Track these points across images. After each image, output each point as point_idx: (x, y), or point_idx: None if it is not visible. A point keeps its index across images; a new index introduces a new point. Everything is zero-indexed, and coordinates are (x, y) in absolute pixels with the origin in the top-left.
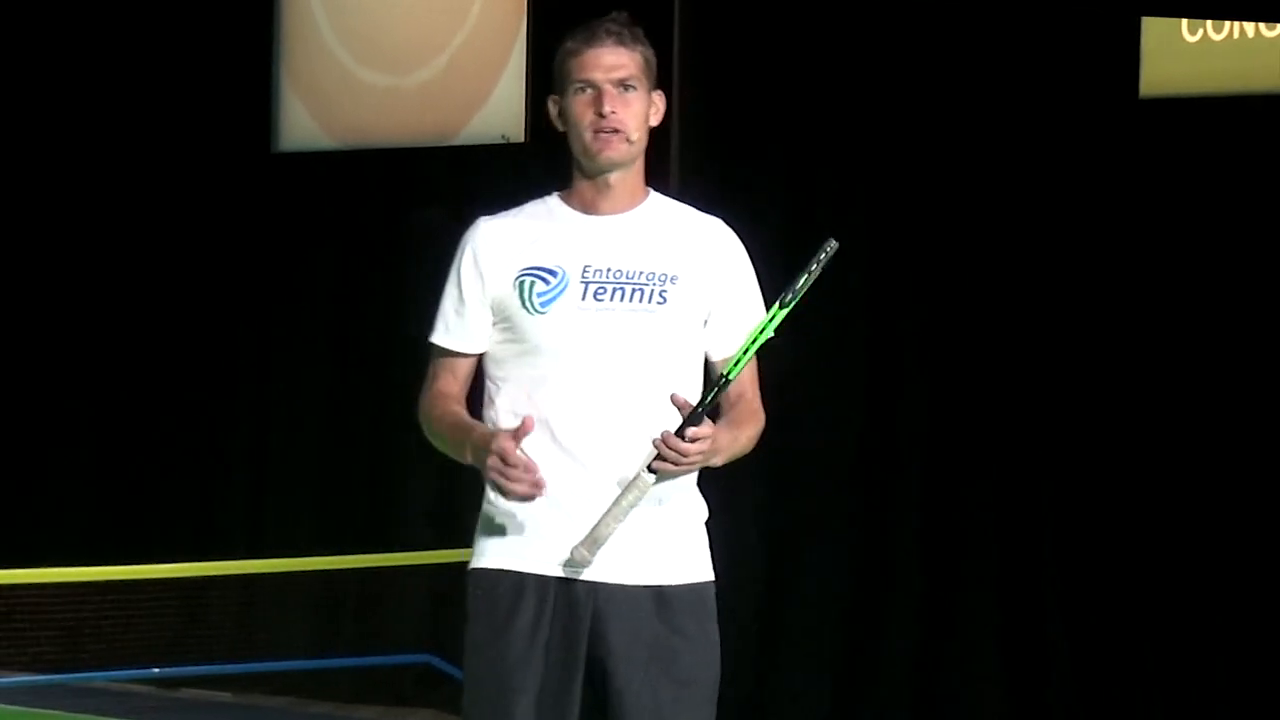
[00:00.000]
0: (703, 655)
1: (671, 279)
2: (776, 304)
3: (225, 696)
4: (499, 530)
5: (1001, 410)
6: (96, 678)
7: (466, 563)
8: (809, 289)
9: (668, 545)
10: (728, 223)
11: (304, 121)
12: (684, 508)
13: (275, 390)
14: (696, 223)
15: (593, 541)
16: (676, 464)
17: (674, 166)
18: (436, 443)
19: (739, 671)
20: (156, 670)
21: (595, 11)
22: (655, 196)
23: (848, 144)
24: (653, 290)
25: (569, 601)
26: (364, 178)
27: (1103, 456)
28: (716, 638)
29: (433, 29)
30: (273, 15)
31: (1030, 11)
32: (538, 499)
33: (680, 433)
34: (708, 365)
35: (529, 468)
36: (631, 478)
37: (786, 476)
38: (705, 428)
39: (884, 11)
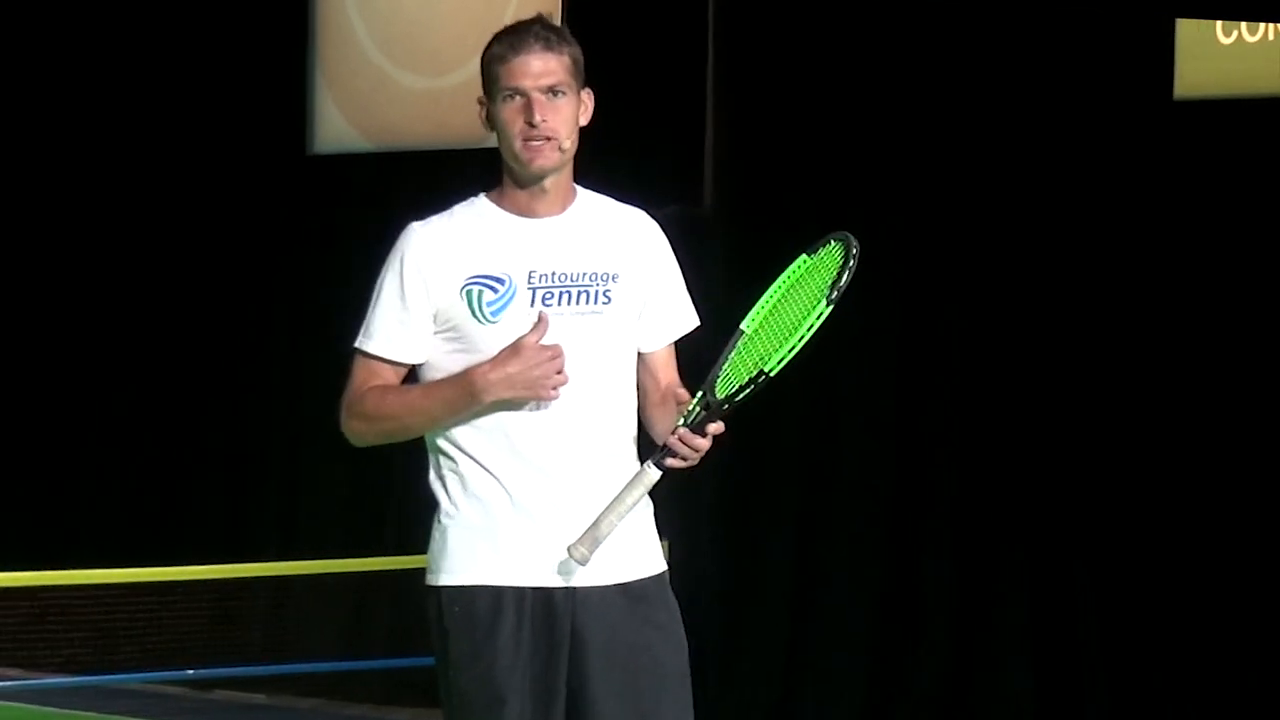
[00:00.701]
0: (675, 646)
1: (613, 277)
2: (823, 301)
3: (258, 698)
4: (465, 543)
5: (1033, 425)
6: (129, 679)
7: None
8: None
9: (627, 541)
10: (759, 239)
11: (339, 123)
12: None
13: (308, 392)
14: (625, 217)
15: (593, 540)
16: (687, 459)
17: (707, 176)
18: (385, 424)
19: (768, 682)
20: (190, 672)
21: (629, 12)
22: (584, 193)
23: (882, 149)
24: (597, 291)
25: (548, 611)
26: (399, 179)
27: (1135, 465)
28: (682, 626)
29: (468, 30)
30: (308, 17)
31: (1064, 14)
32: (501, 506)
33: (701, 429)
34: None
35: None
36: (635, 473)
37: (818, 490)
38: (720, 424)
39: (918, 14)
